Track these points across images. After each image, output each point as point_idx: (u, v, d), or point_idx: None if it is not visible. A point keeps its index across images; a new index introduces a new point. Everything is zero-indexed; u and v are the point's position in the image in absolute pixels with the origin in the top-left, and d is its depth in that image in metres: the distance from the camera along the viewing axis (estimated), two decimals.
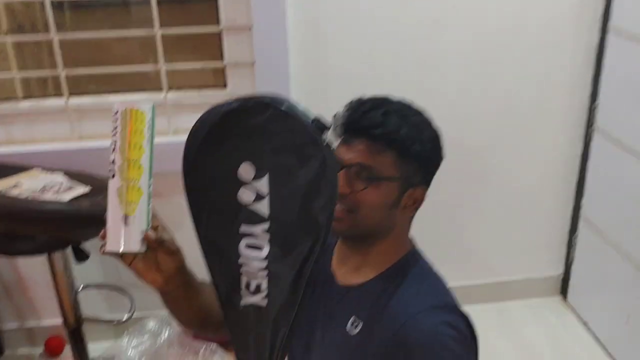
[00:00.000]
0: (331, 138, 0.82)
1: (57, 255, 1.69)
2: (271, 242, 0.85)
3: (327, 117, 0.91)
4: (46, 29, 1.85)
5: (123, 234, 0.85)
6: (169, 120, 1.96)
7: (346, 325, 1.05)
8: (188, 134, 0.84)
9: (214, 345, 1.59)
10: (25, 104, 2.01)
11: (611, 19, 1.98)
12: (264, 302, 0.90)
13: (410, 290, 1.02)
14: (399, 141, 0.97)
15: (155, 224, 0.87)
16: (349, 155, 0.98)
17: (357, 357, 1.04)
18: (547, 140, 2.23)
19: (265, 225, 0.84)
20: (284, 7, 1.84)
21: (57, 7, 1.86)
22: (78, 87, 2.01)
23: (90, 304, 2.02)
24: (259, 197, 0.83)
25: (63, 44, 1.85)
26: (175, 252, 0.90)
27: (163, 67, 1.88)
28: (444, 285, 1.06)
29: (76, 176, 1.71)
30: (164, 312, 1.94)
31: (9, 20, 2.03)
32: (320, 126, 0.80)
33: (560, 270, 2.47)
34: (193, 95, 2.03)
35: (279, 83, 1.89)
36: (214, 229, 0.88)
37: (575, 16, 2.02)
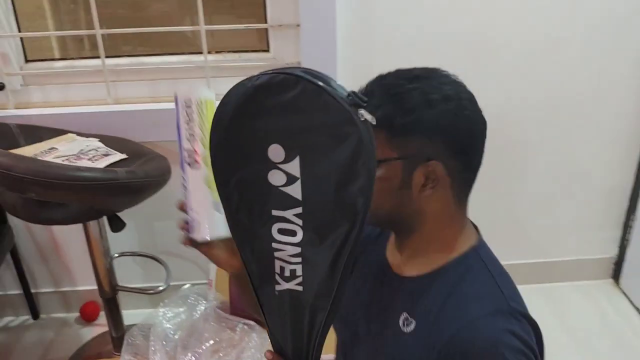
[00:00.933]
0: (368, 115, 0.72)
1: (93, 224, 1.63)
2: (304, 227, 0.79)
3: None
4: None
5: (214, 221, 0.86)
6: (208, 84, 1.87)
7: (398, 320, 0.96)
8: (214, 112, 0.77)
9: (251, 322, 1.52)
10: (61, 64, 1.94)
11: None
12: (299, 288, 0.85)
13: (471, 291, 0.91)
14: (381, 119, 0.81)
15: None
16: None
17: (406, 357, 0.95)
18: (606, 118, 2.09)
19: (298, 210, 0.78)
20: None
21: None
22: (115, 48, 1.93)
23: (126, 272, 1.98)
24: (290, 180, 0.76)
25: (100, 2, 1.77)
26: None
27: (203, 28, 1.78)
28: (511, 288, 0.93)
29: (112, 142, 1.65)
30: (200, 284, 1.93)
31: None
32: (356, 102, 0.70)
33: (613, 252, 2.35)
34: (233, 58, 1.93)
35: (325, 47, 1.78)
36: (245, 211, 0.81)
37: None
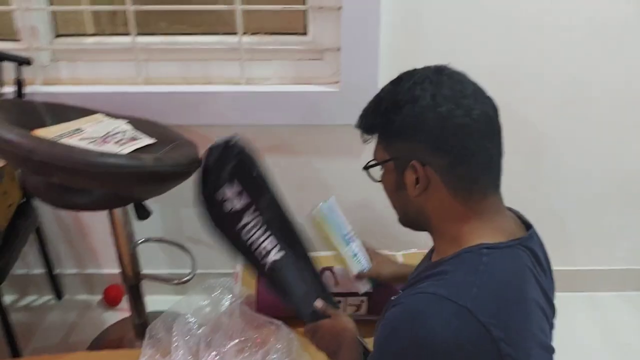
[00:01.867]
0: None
1: (117, 210, 1.57)
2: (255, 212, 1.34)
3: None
4: None
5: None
6: (241, 67, 1.78)
7: None
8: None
9: (278, 321, 1.45)
10: (91, 40, 1.87)
11: None
12: (280, 253, 1.36)
13: (431, 279, 0.89)
14: (367, 126, 1.00)
15: None
16: None
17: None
18: None
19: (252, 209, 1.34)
20: None
21: None
22: (149, 25, 1.85)
23: (151, 259, 1.92)
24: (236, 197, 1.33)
25: None
26: None
27: (239, 7, 1.69)
28: (485, 298, 0.83)
29: (140, 124, 1.57)
30: (225, 274, 1.86)
31: None
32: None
33: None
34: (269, 41, 1.83)
35: (367, 31, 1.67)
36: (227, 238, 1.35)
37: None
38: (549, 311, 0.96)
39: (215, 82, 1.83)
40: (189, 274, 1.78)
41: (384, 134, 0.96)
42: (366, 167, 1.02)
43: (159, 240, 1.94)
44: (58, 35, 1.87)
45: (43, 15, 1.79)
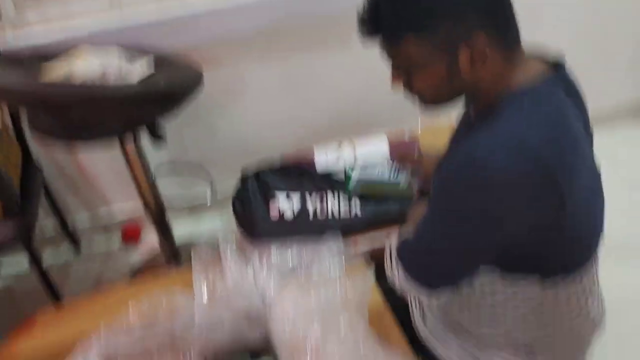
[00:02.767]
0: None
1: (130, 146, 1.56)
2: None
3: None
4: None
5: None
6: None
7: None
8: None
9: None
10: None
11: None
12: None
13: (483, 131, 0.88)
14: (394, 27, 0.90)
15: None
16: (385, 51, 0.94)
17: None
18: None
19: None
20: None
21: None
22: None
23: (166, 190, 1.94)
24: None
25: None
26: None
27: None
28: (521, 123, 0.87)
29: (129, 52, 1.54)
30: None
31: None
32: None
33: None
34: None
35: None
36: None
37: None
38: (589, 140, 1.01)
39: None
40: (209, 192, 1.80)
41: (419, 27, 0.88)
42: (407, 76, 0.95)
43: (176, 166, 1.94)
44: None
45: None
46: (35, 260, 1.62)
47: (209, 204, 1.81)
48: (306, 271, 1.45)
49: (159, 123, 1.42)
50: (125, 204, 2.14)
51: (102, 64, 1.47)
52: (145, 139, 1.59)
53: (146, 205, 1.72)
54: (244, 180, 1.65)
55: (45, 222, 2.11)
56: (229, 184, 1.90)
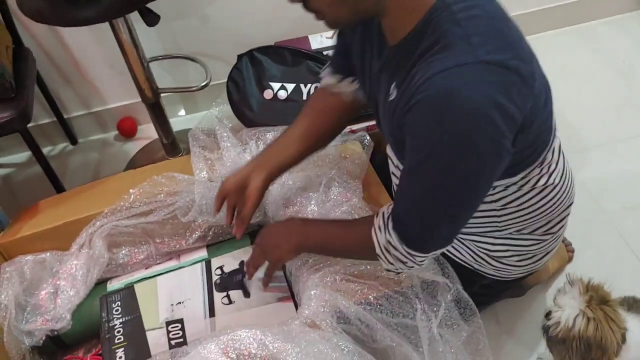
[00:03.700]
0: None
1: (122, 26, 1.53)
2: None
3: None
4: None
5: None
6: None
7: (390, 88, 0.97)
8: None
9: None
10: None
11: None
12: None
13: (437, 51, 0.84)
14: None
15: None
16: None
17: (392, 124, 0.97)
18: None
19: None
20: None
21: None
22: None
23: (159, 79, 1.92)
24: None
25: None
26: None
27: None
28: (488, 35, 0.84)
29: None
30: None
31: None
32: None
33: None
34: None
35: None
36: None
37: None
38: None
39: None
40: (205, 79, 1.79)
41: None
42: None
43: (166, 57, 1.91)
44: None
45: None
46: (33, 146, 1.62)
47: (203, 88, 1.78)
48: None
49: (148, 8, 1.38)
50: (121, 100, 2.13)
51: None
52: (138, 28, 1.57)
53: (141, 91, 1.71)
54: (238, 60, 1.63)
55: (41, 116, 2.09)
56: (223, 76, 1.89)
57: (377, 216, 1.02)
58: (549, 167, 1.06)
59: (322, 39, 1.68)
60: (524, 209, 1.10)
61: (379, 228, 1.00)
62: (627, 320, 1.10)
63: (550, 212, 1.14)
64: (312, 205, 1.28)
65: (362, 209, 1.27)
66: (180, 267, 1.36)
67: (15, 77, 1.59)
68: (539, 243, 1.20)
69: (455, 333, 1.10)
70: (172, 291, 1.29)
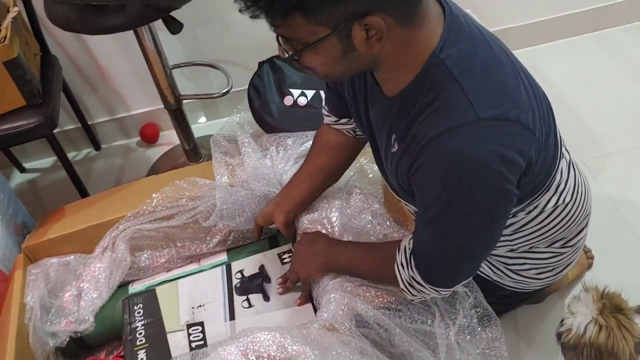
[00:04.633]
0: None
1: (146, 35, 1.57)
2: None
3: None
4: None
5: None
6: None
7: (391, 140, 0.98)
8: None
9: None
10: None
11: None
12: None
13: (436, 107, 0.86)
14: (280, 7, 0.79)
15: None
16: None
17: (397, 174, 1.00)
18: None
19: None
20: None
21: None
22: None
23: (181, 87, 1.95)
24: None
25: None
26: None
27: None
28: (487, 88, 0.85)
29: None
30: None
31: None
32: None
33: None
34: None
35: None
36: None
37: None
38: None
39: None
40: (226, 88, 1.81)
41: (307, 9, 0.79)
42: (295, 55, 0.87)
43: (188, 64, 1.94)
44: None
45: None
46: (59, 152, 1.66)
47: (224, 95, 1.81)
48: None
49: (176, 6, 1.40)
50: (144, 107, 2.16)
51: None
52: (161, 35, 1.60)
53: (163, 98, 1.74)
54: (259, 67, 1.65)
55: (66, 122, 2.14)
56: (244, 82, 1.91)
57: (398, 252, 1.04)
58: (557, 188, 1.06)
59: None
60: (535, 230, 1.11)
61: (402, 265, 1.02)
62: None
63: (565, 229, 1.14)
64: (334, 212, 1.30)
65: (383, 216, 1.28)
66: (200, 271, 1.38)
67: (42, 84, 1.63)
68: (557, 256, 1.20)
69: (474, 342, 1.10)
70: (193, 294, 1.31)
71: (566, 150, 1.11)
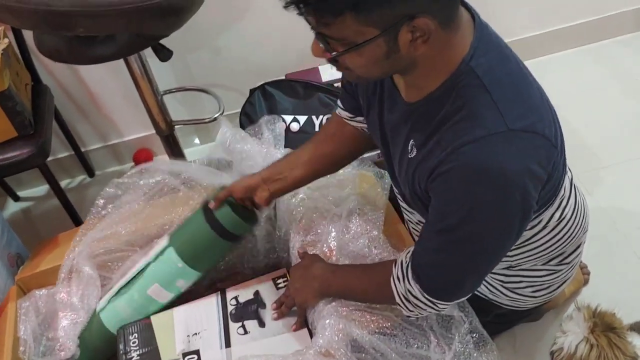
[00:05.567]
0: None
1: (136, 63, 1.57)
2: None
3: None
4: None
5: None
6: None
7: (408, 145, 0.97)
8: None
9: None
10: None
11: None
12: None
13: (462, 116, 0.85)
14: (332, 6, 0.77)
15: None
16: (310, 21, 0.82)
17: (412, 180, 0.98)
18: None
19: None
20: None
21: None
22: None
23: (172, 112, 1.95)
24: None
25: None
26: None
27: None
28: (514, 100, 0.86)
29: None
30: None
31: None
32: None
33: None
34: None
35: None
36: None
37: None
38: None
39: None
40: (217, 113, 1.82)
41: (361, 8, 0.78)
42: (339, 56, 0.85)
43: (180, 89, 1.95)
44: None
45: None
46: (52, 181, 1.66)
47: (216, 120, 1.81)
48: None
49: (165, 33, 1.41)
50: (137, 133, 2.17)
51: None
52: (151, 62, 1.60)
53: (155, 124, 1.74)
54: (250, 94, 1.66)
55: (60, 150, 2.14)
56: (236, 106, 1.92)
57: (395, 266, 1.02)
58: (561, 203, 1.06)
59: (333, 71, 1.71)
60: (536, 247, 1.11)
61: (398, 278, 1.01)
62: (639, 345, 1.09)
63: (564, 244, 1.14)
64: (332, 234, 1.28)
65: (379, 243, 1.27)
66: (148, 264, 1.29)
67: (34, 113, 1.63)
68: (554, 273, 1.19)
69: None
70: (188, 322, 1.30)
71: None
